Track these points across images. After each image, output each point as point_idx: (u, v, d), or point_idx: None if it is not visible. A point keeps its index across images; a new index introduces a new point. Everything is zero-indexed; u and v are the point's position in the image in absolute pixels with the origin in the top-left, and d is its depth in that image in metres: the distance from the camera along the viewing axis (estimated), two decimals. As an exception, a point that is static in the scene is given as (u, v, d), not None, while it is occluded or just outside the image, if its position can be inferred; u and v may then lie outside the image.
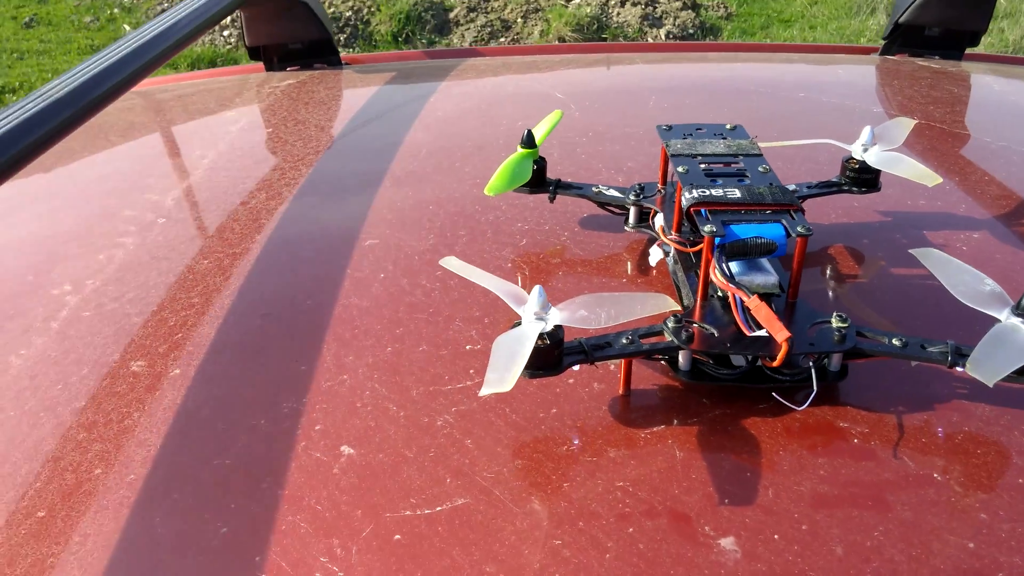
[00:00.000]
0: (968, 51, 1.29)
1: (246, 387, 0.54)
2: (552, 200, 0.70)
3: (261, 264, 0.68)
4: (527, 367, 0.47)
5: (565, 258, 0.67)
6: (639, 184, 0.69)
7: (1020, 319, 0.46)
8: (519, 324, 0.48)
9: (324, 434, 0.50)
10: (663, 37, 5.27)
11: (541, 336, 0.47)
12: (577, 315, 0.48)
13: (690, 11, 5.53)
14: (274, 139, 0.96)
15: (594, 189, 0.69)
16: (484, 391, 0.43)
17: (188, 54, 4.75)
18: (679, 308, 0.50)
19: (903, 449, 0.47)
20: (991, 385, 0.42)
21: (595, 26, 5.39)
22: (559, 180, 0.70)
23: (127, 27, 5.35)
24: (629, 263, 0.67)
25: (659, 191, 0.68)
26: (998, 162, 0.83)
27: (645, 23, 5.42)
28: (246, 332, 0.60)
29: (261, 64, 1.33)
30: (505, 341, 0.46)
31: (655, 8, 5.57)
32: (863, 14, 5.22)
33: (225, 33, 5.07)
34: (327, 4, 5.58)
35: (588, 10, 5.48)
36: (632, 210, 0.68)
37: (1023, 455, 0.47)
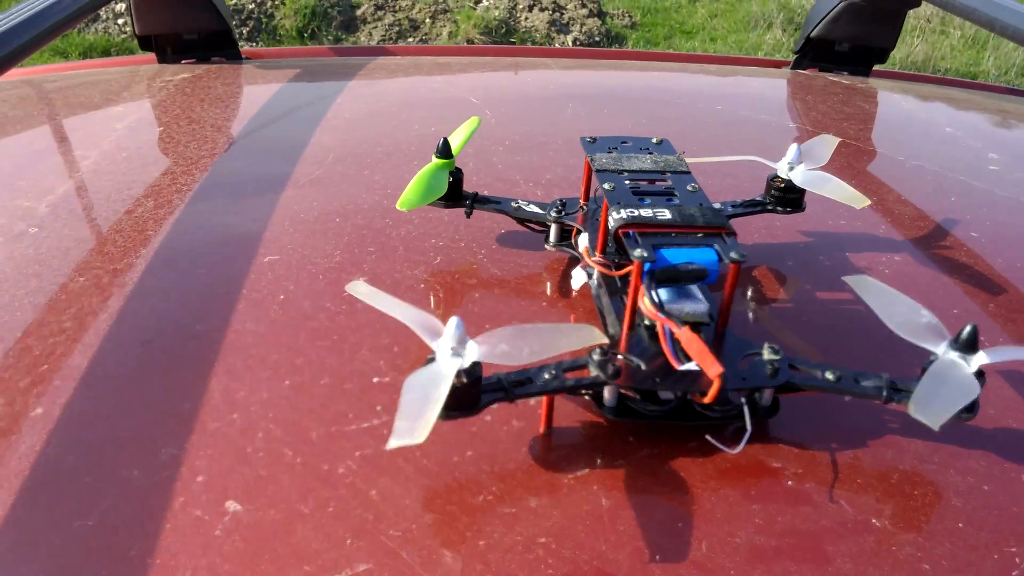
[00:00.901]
0: (874, 68, 1.31)
1: (120, 430, 0.48)
2: (469, 215, 0.66)
3: (145, 283, 0.61)
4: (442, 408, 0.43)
5: (482, 278, 0.63)
6: (560, 200, 0.65)
7: (958, 354, 0.44)
8: (433, 360, 0.43)
9: (207, 487, 0.44)
10: (570, 43, 5.29)
11: (458, 374, 0.42)
12: (498, 350, 0.43)
13: (596, 19, 5.57)
14: (165, 139, 0.89)
15: (513, 204, 0.65)
16: (392, 443, 0.38)
17: (79, 42, 4.50)
18: (605, 339, 0.46)
19: (839, 491, 0.45)
20: (937, 429, 0.40)
21: (503, 30, 5.37)
22: (476, 194, 0.66)
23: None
24: (550, 284, 0.63)
25: (581, 208, 0.64)
26: (914, 182, 0.83)
27: (552, 29, 5.44)
28: (123, 363, 0.53)
29: (153, 55, 1.24)
30: (417, 382, 0.41)
31: (562, 15, 5.60)
32: (760, 28, 5.37)
33: (120, 21, 4.82)
34: (230, -5, 5.39)
35: (496, 13, 5.46)
36: (553, 228, 0.64)
37: (960, 495, 0.45)
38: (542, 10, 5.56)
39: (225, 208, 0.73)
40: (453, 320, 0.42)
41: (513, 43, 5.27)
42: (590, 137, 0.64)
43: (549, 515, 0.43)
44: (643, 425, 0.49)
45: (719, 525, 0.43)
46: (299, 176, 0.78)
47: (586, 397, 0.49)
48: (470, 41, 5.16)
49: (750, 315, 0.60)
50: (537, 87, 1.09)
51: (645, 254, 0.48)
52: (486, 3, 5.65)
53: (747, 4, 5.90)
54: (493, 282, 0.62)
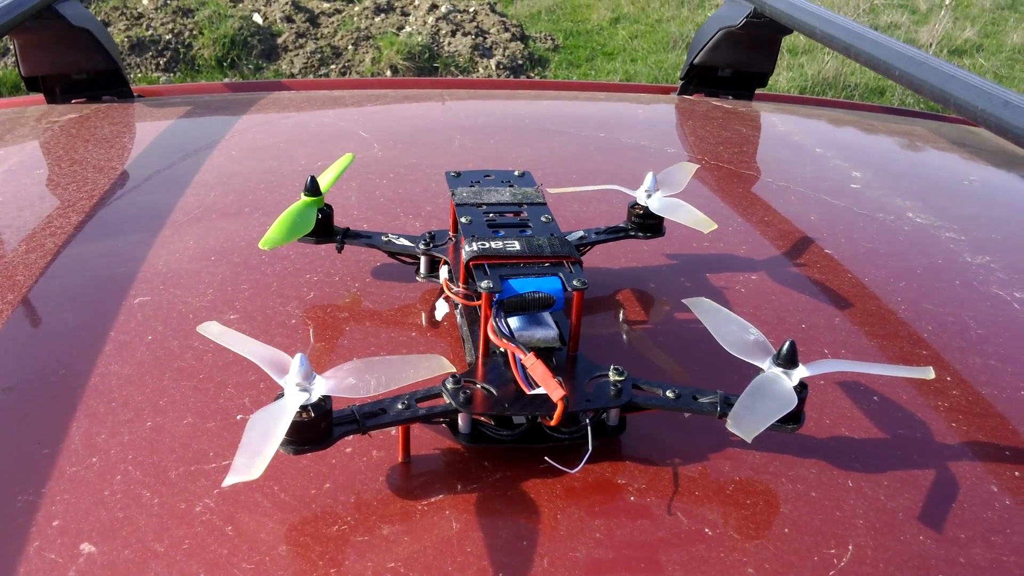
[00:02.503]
0: (759, 91, 1.37)
1: None
2: (340, 250, 0.67)
3: (11, 329, 0.61)
4: (291, 443, 0.44)
5: (354, 312, 0.64)
6: (430, 232, 0.67)
7: (780, 368, 0.48)
8: (281, 396, 0.44)
9: (62, 531, 0.44)
10: (493, 67, 5.35)
11: (305, 409, 0.44)
12: (344, 383, 0.45)
13: (519, 42, 5.66)
14: (45, 181, 0.88)
15: (383, 238, 0.67)
16: (228, 480, 0.39)
17: (-18, 76, 4.36)
18: (453, 369, 0.48)
19: (677, 504, 0.47)
20: (749, 441, 0.43)
21: (426, 55, 5.40)
22: (347, 229, 0.67)
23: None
24: (423, 315, 0.64)
25: (450, 239, 0.66)
26: (778, 202, 0.88)
27: (476, 53, 5.49)
28: None
29: (42, 96, 1.22)
30: (261, 419, 0.42)
31: (485, 39, 5.66)
32: (679, 48, 5.53)
33: (10, 60, 4.70)
34: (146, 26, 5.30)
35: (419, 39, 5.49)
36: (423, 259, 0.67)
37: (788, 502, 0.48)
38: (465, 35, 5.62)
39: (100, 250, 0.73)
40: (297, 356, 0.44)
41: (436, 68, 5.31)
42: (454, 172, 0.66)
43: (401, 541, 0.45)
44: (500, 449, 0.51)
45: (561, 541, 0.45)
46: (178, 215, 0.78)
47: (443, 425, 0.51)
48: (394, 67, 5.18)
49: (609, 340, 0.62)
50: (427, 119, 1.12)
51: (491, 285, 0.51)
52: (409, 29, 5.69)
53: (666, 26, 6.07)
54: (364, 315, 0.64)
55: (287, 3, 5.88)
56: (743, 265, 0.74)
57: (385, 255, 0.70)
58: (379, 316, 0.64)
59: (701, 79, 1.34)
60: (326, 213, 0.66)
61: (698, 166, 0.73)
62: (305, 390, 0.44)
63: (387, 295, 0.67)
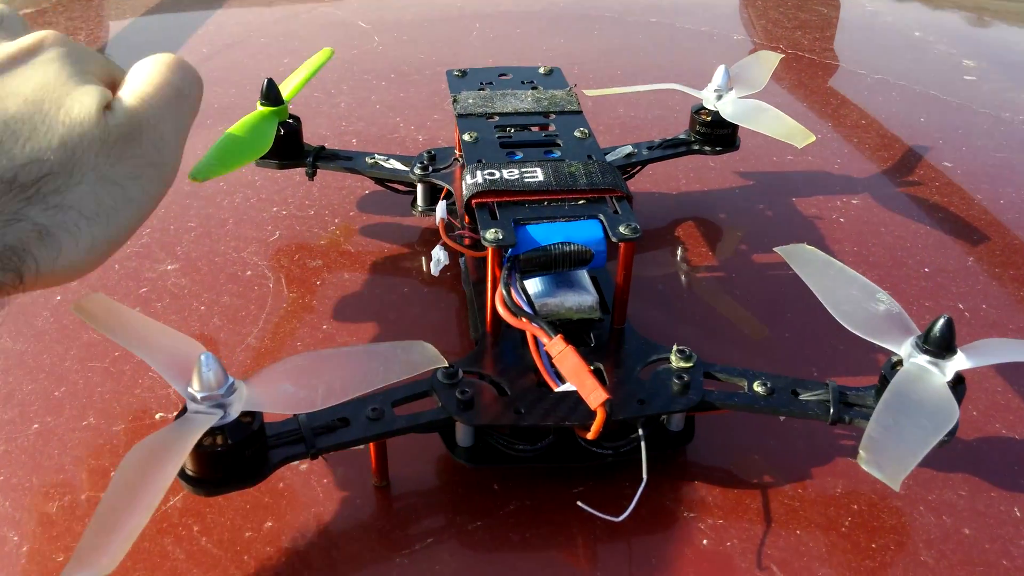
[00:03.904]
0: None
1: None
2: (312, 176, 0.51)
3: None
4: (200, 483, 0.30)
5: (331, 260, 0.49)
6: (429, 152, 0.51)
7: (928, 358, 0.32)
8: (183, 413, 0.30)
9: None
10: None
11: (219, 432, 0.29)
12: (279, 393, 0.30)
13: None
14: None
15: (368, 160, 0.51)
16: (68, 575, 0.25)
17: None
18: (444, 363, 0.33)
19: (771, 550, 0.32)
20: (897, 488, 0.28)
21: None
22: (321, 148, 0.52)
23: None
24: (422, 260, 0.49)
25: (456, 160, 0.50)
26: (876, 100, 0.69)
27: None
28: None
29: None
30: (138, 458, 0.27)
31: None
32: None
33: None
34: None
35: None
36: (420, 188, 0.51)
37: (933, 546, 0.33)
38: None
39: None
40: (203, 357, 0.29)
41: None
42: (459, 70, 0.49)
43: (368, 617, 0.31)
44: (511, 470, 0.36)
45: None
46: None
47: (436, 433, 0.36)
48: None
49: (663, 302, 0.47)
50: (440, 6, 0.94)
51: (500, 236, 0.35)
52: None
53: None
54: (344, 263, 0.49)
55: None
56: (838, 186, 0.57)
57: (372, 182, 0.54)
58: (363, 263, 0.49)
59: None
60: (291, 127, 0.50)
61: (782, 56, 0.55)
62: (218, 404, 0.29)
63: (375, 235, 0.51)
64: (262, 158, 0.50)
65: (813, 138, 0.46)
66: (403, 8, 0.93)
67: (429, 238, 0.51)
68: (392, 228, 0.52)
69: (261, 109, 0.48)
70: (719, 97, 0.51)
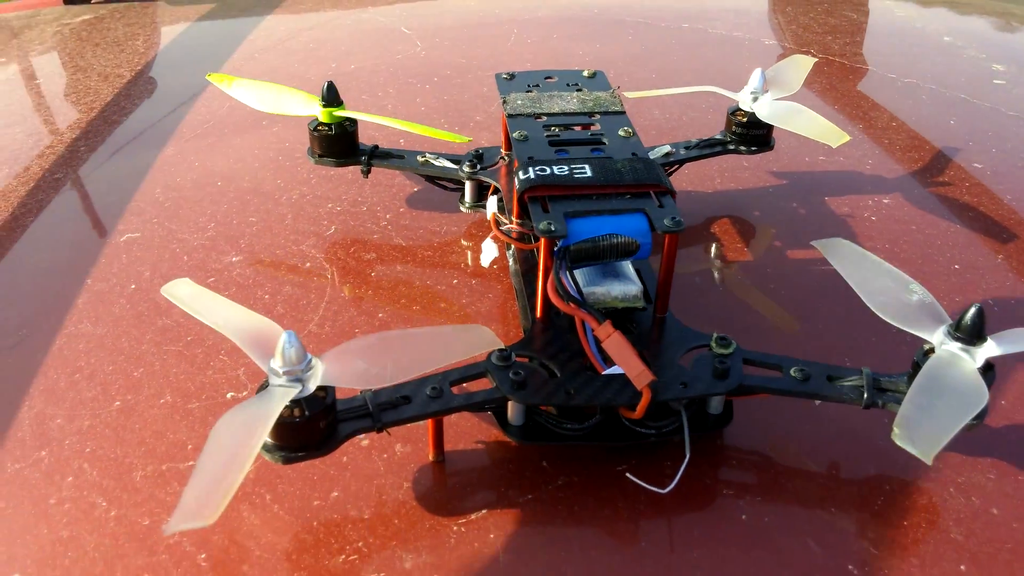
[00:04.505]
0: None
1: None
2: (366, 174, 0.54)
3: None
4: (278, 450, 0.32)
5: (384, 253, 0.52)
6: (477, 151, 0.53)
7: (960, 345, 0.34)
8: (265, 386, 0.32)
9: None
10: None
11: (297, 404, 0.32)
12: (352, 369, 0.33)
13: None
14: (42, 91, 0.77)
15: (419, 158, 0.54)
16: (171, 527, 0.27)
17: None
18: (500, 345, 0.35)
19: (808, 525, 0.35)
20: (930, 462, 0.30)
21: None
22: (375, 147, 0.54)
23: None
24: (469, 255, 0.52)
25: (502, 158, 0.53)
26: (907, 103, 0.71)
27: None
28: None
29: None
30: (229, 425, 0.30)
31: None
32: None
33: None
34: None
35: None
36: (468, 185, 0.53)
37: (962, 523, 0.35)
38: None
39: (90, 172, 0.61)
40: (284, 335, 0.32)
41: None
42: (507, 73, 0.52)
43: (429, 578, 0.33)
44: (563, 448, 0.38)
45: (647, 584, 0.33)
46: (185, 131, 0.66)
47: (489, 411, 0.39)
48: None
49: (702, 292, 0.49)
50: (479, 13, 0.96)
51: (553, 227, 0.37)
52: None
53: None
54: (396, 256, 0.51)
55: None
56: (871, 186, 0.58)
57: (422, 179, 0.57)
58: (414, 258, 0.51)
59: None
60: (349, 128, 0.53)
61: (815, 59, 0.57)
62: (297, 379, 0.32)
63: (424, 229, 0.54)
64: (320, 156, 0.53)
65: (848, 138, 0.48)
66: (442, 14, 0.96)
67: (475, 232, 0.54)
68: (440, 223, 0.54)
69: (322, 111, 0.51)
70: (755, 99, 0.53)
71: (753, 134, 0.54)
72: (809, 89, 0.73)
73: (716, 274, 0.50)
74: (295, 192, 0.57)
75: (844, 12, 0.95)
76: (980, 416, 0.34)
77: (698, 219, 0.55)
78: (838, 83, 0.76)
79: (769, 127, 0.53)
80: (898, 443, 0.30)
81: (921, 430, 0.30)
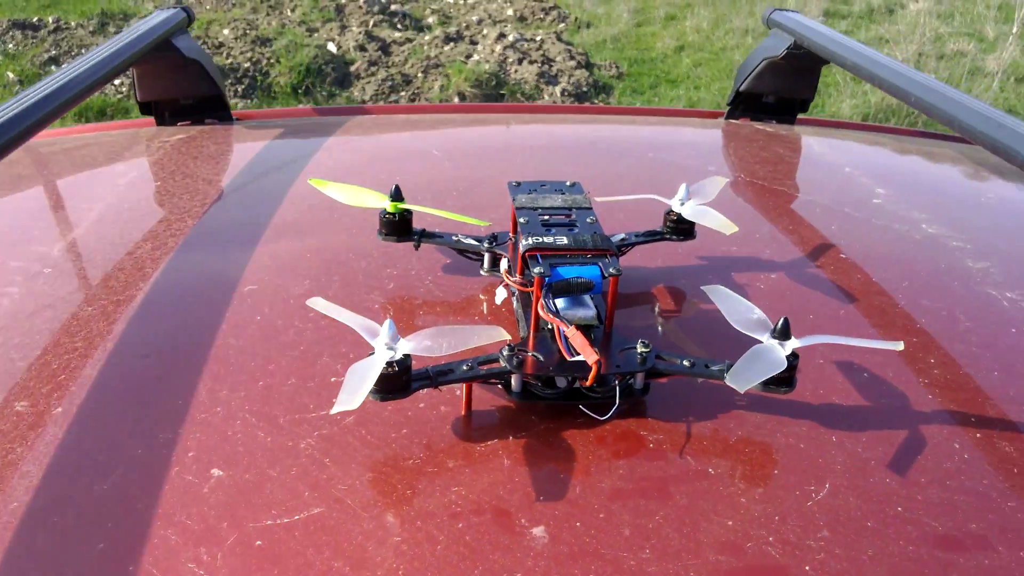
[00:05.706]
0: (801, 116, 1.46)
1: (125, 421, 0.61)
2: (417, 248, 0.79)
3: (144, 310, 0.74)
4: (378, 392, 0.56)
5: (427, 299, 0.76)
6: (493, 234, 0.78)
7: (776, 340, 0.58)
8: (373, 354, 0.56)
9: (196, 459, 0.57)
10: (558, 94, 5.48)
11: (390, 364, 0.55)
12: (422, 345, 0.57)
13: (584, 70, 5.78)
14: (162, 192, 1.03)
15: (454, 238, 0.79)
16: (335, 409, 0.51)
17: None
18: (509, 337, 0.59)
19: (688, 451, 0.58)
20: (742, 392, 0.53)
21: (493, 82, 5.55)
22: (423, 230, 0.80)
23: (11, 75, 5.23)
24: (485, 302, 0.76)
25: (510, 239, 0.78)
26: (803, 213, 0.97)
27: (541, 80, 5.64)
28: (127, 372, 0.66)
29: (151, 119, 1.38)
30: (357, 368, 0.54)
31: (551, 67, 5.80)
32: (741, 74, 5.56)
33: (116, 82, 5.01)
34: (226, 55, 5.60)
35: (487, 67, 5.65)
36: (486, 256, 0.78)
37: (780, 451, 0.58)
38: (531, 63, 5.77)
39: (213, 249, 0.86)
40: (387, 322, 0.56)
41: (503, 95, 5.47)
42: (515, 181, 0.77)
43: (462, 472, 0.56)
44: (545, 405, 0.61)
45: (591, 476, 0.55)
46: (277, 221, 0.92)
47: (499, 386, 0.62)
48: (461, 94, 5.36)
49: (639, 322, 0.73)
50: (493, 140, 1.24)
51: (543, 270, 0.62)
52: (477, 57, 5.87)
53: (730, 54, 6.13)
54: (435, 301, 0.76)
55: (360, 32, 6.13)
56: (765, 266, 0.83)
57: (455, 252, 0.81)
58: (447, 303, 0.75)
59: (747, 105, 1.43)
60: (405, 217, 0.78)
61: (728, 180, 0.83)
62: (391, 349, 0.56)
63: (455, 286, 0.78)
64: (386, 235, 0.78)
65: (736, 228, 0.74)
66: (464, 141, 1.24)
67: (490, 289, 0.78)
68: (466, 281, 0.79)
69: (389, 205, 0.77)
70: (681, 204, 0.78)
71: (681, 227, 0.79)
72: (735, 201, 0.99)
73: (650, 310, 0.75)
74: (363, 262, 0.82)
75: (774, 148, 1.22)
76: (788, 384, 0.57)
77: (643, 284, 0.79)
78: (756, 198, 1.02)
79: (692, 223, 0.79)
80: (726, 382, 0.54)
81: (740, 376, 0.54)
